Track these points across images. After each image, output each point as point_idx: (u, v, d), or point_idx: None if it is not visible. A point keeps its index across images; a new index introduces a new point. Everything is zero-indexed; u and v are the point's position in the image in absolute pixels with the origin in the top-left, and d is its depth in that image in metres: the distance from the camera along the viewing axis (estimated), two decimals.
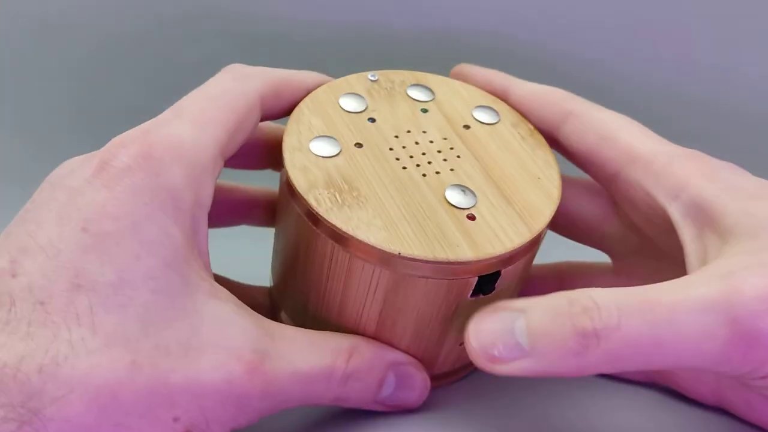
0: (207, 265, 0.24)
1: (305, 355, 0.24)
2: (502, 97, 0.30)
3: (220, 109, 0.25)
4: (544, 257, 0.32)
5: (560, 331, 0.21)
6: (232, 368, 0.22)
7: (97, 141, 0.23)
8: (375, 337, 0.26)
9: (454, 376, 0.30)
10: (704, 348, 0.20)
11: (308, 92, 0.28)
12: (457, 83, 0.30)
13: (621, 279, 0.31)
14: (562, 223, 0.31)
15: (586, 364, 0.21)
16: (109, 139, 0.23)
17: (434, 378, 0.29)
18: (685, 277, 0.22)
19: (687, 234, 0.25)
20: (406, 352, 0.27)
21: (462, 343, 0.27)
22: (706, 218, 0.24)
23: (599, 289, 0.21)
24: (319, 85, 0.28)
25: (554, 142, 0.30)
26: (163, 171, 0.23)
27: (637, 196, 0.27)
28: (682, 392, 0.28)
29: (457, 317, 0.26)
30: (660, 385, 0.29)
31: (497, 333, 0.22)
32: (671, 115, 0.32)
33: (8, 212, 0.21)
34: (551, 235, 0.32)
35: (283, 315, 0.30)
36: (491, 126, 0.29)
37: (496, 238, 0.24)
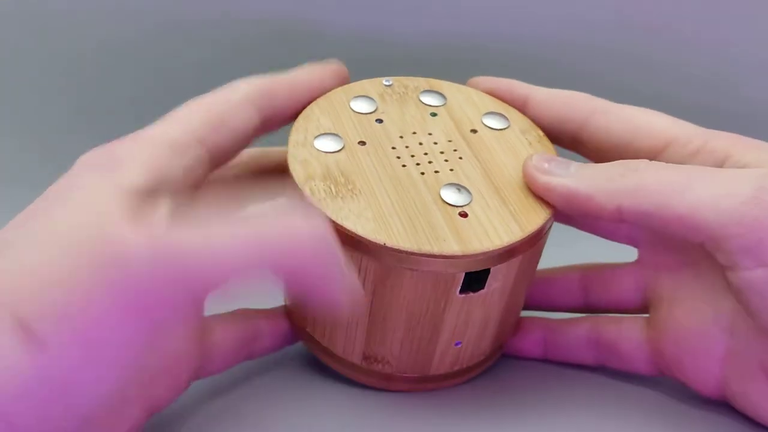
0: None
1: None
2: (522, 103, 0.30)
3: (196, 106, 0.26)
4: (567, 254, 0.32)
5: (604, 165, 0.25)
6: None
7: (97, 142, 0.24)
8: (368, 332, 0.27)
9: (453, 380, 0.29)
10: (722, 204, 0.23)
11: (310, 86, 0.29)
12: (471, 91, 0.31)
13: (646, 272, 0.30)
14: (585, 221, 0.31)
15: (614, 188, 0.25)
16: (109, 140, 0.24)
17: (431, 379, 0.29)
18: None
19: None
20: (400, 348, 0.27)
21: (457, 344, 0.28)
22: None
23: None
24: (321, 78, 0.29)
25: (577, 143, 0.29)
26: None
27: None
28: (687, 383, 0.28)
29: (448, 315, 0.26)
30: (667, 378, 0.29)
31: (552, 157, 0.26)
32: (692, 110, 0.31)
33: (8, 213, 0.22)
34: (575, 233, 0.31)
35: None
36: (499, 131, 0.29)
37: (485, 235, 0.24)
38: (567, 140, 0.29)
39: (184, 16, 0.37)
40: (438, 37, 0.38)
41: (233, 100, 0.27)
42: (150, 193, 0.22)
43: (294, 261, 0.22)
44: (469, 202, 0.25)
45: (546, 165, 0.26)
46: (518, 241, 0.24)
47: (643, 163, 0.25)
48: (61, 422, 0.19)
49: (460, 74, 0.32)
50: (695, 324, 0.27)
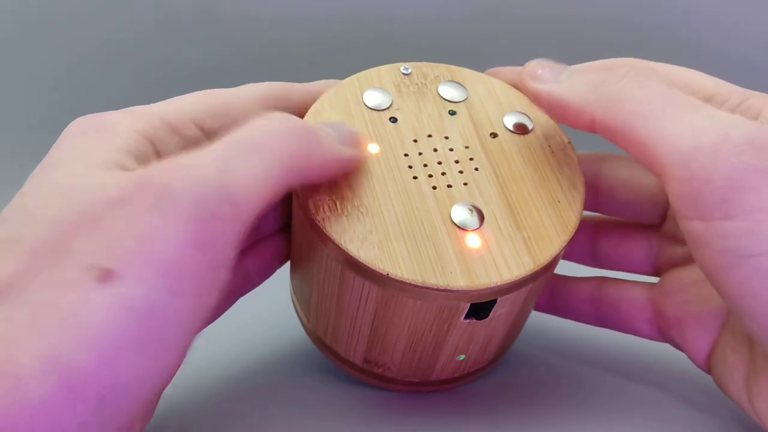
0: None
1: None
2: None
3: (201, 94, 0.25)
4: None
5: (592, 72, 0.25)
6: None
7: None
8: (369, 342, 0.26)
9: (454, 383, 0.29)
10: (681, 142, 0.21)
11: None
12: (495, 82, 0.28)
13: (663, 239, 0.29)
14: (616, 203, 0.29)
15: (593, 96, 0.24)
16: None
17: (432, 383, 0.29)
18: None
19: None
20: (401, 358, 0.27)
21: (459, 357, 0.27)
22: None
23: None
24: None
25: None
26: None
27: None
28: (682, 347, 0.28)
29: (451, 336, 0.25)
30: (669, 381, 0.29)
31: (549, 63, 0.26)
32: None
33: None
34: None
35: (294, 298, 0.31)
36: (521, 136, 0.27)
37: (494, 267, 0.23)
38: None
39: (182, 16, 0.35)
40: (457, 16, 0.35)
41: (242, 96, 0.25)
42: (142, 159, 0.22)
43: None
44: (481, 226, 0.24)
45: (539, 72, 0.26)
46: (529, 275, 0.23)
47: (632, 72, 0.24)
48: (158, 360, 0.18)
49: (481, 52, 0.30)
50: (702, 288, 0.27)
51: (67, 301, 0.17)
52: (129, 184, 0.19)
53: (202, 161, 0.20)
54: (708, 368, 0.27)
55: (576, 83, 0.25)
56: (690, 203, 0.21)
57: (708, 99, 0.25)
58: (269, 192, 0.21)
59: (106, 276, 0.18)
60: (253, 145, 0.21)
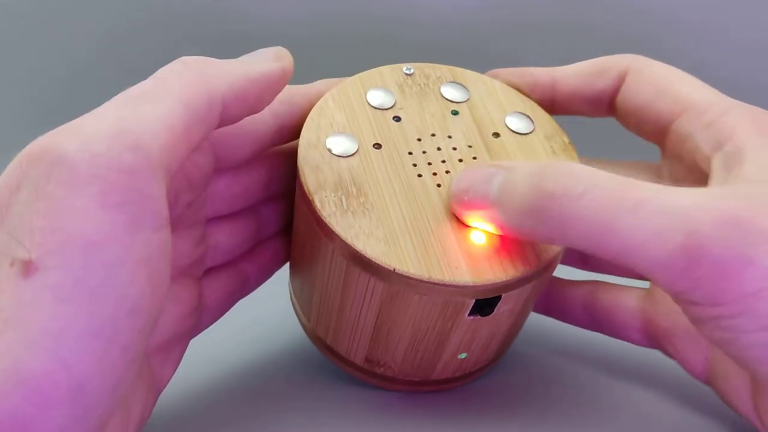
0: None
1: None
2: (549, 89, 0.28)
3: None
4: None
5: (526, 188, 0.22)
6: None
7: None
8: (371, 341, 0.26)
9: (454, 383, 0.29)
10: (651, 251, 0.20)
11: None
12: (496, 84, 0.29)
13: None
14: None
15: (539, 225, 0.21)
16: None
17: (433, 383, 0.29)
18: (673, 187, 0.21)
19: (716, 182, 0.24)
20: (403, 357, 0.27)
21: (462, 356, 0.27)
22: (737, 168, 0.23)
23: (583, 164, 0.22)
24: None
25: (613, 109, 0.28)
26: None
27: (684, 150, 0.26)
28: (676, 359, 0.27)
29: (454, 333, 0.25)
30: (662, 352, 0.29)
31: (475, 181, 0.23)
32: None
33: None
34: None
35: (292, 297, 0.30)
36: (523, 136, 0.27)
37: (499, 263, 0.23)
38: (603, 109, 0.28)
39: (180, 13, 0.35)
40: (458, 18, 0.35)
41: None
42: None
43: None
44: None
45: (466, 197, 0.23)
46: (533, 271, 0.24)
47: (559, 190, 0.21)
48: (114, 343, 0.18)
49: (481, 54, 0.30)
50: None
51: (2, 306, 0.16)
52: (20, 161, 0.18)
53: (92, 118, 0.19)
54: (706, 381, 0.27)
55: (514, 207, 0.22)
56: (680, 298, 0.21)
57: (688, 108, 0.25)
58: (177, 133, 0.19)
59: (28, 270, 0.17)
60: (143, 92, 0.20)
